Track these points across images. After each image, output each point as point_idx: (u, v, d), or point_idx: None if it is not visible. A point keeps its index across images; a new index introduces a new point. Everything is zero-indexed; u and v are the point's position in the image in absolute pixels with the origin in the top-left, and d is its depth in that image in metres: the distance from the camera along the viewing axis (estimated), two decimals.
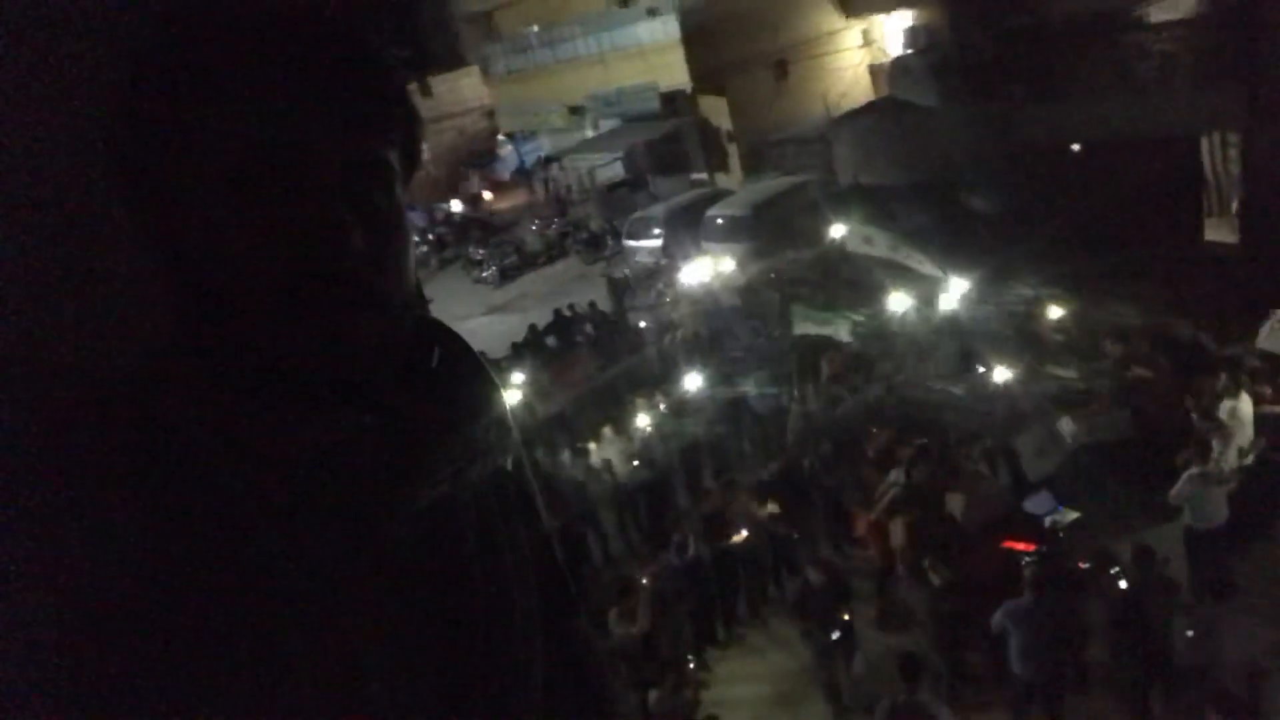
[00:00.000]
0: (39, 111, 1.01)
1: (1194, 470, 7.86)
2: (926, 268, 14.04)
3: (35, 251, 1.03)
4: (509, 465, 0.98)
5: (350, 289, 0.74)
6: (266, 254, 0.71)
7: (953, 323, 12.43)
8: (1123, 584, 7.16)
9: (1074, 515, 8.44)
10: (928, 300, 13.00)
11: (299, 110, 0.72)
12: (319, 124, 0.73)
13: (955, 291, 12.74)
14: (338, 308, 0.73)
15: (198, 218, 0.72)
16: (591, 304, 16.59)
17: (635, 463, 10.71)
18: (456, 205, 28.87)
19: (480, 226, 25.99)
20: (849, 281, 14.90)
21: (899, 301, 12.91)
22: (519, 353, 14.63)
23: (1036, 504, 8.57)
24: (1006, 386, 10.35)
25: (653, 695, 7.49)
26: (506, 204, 29.43)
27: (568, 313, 16.21)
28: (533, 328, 15.33)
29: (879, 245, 15.08)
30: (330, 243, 0.72)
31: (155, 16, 0.74)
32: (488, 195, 29.02)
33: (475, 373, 0.96)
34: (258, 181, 0.71)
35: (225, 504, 0.71)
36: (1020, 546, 7.96)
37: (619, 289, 17.63)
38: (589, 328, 15.71)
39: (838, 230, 15.81)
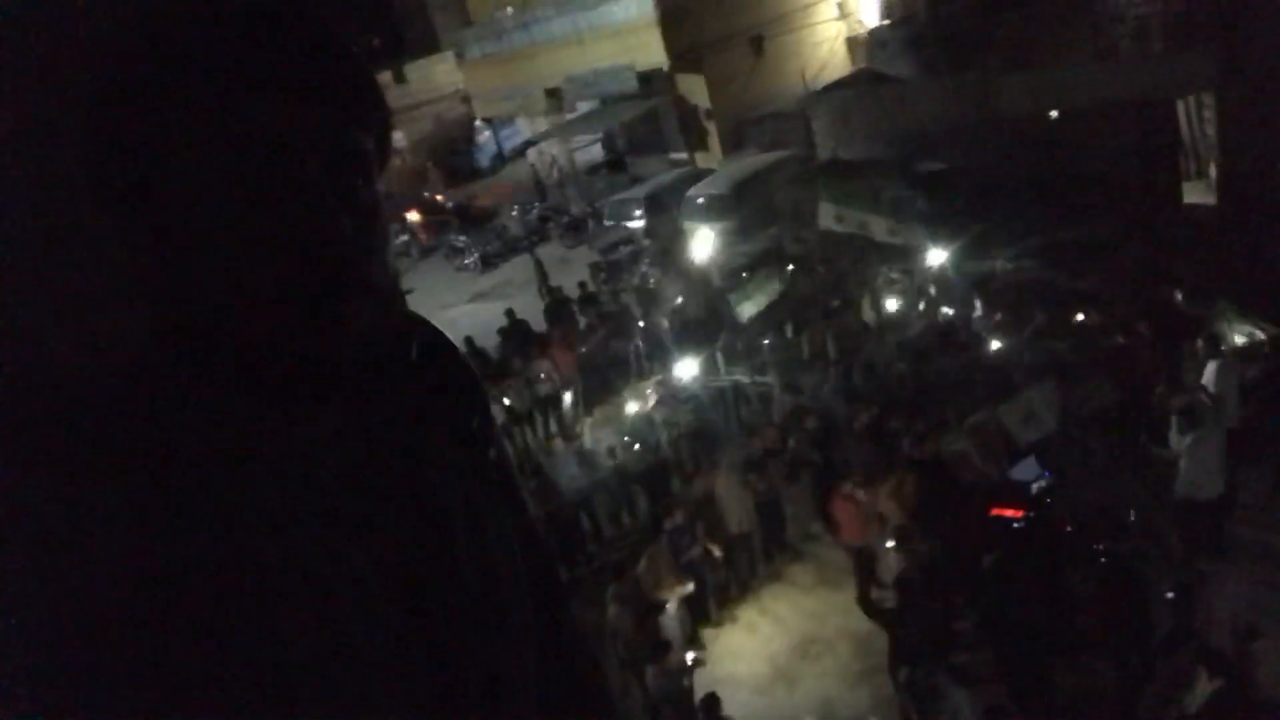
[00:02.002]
0: (18, 114, 1.00)
1: (1191, 437, 7.76)
2: (900, 239, 14.06)
3: (16, 254, 1.02)
4: (492, 454, 0.98)
5: (341, 276, 0.75)
6: (257, 246, 0.72)
7: (936, 295, 12.48)
8: (1104, 547, 7.23)
9: (1059, 481, 8.51)
10: (905, 274, 13.05)
11: (277, 103, 0.72)
12: (298, 115, 0.73)
13: (934, 262, 12.79)
14: (330, 295, 0.74)
15: (183, 215, 0.72)
16: (582, 285, 16.57)
17: (635, 446, 10.73)
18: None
19: (459, 214, 25.71)
20: (825, 260, 14.94)
21: (881, 277, 12.96)
22: (507, 338, 14.60)
23: (1023, 471, 8.64)
24: (993, 356, 10.41)
25: (650, 674, 7.53)
26: (482, 191, 29.15)
27: (559, 295, 16.23)
28: (509, 313, 15.22)
29: (849, 222, 15.07)
30: (320, 231, 0.73)
31: (132, 16, 0.74)
32: (440, 194, 28.50)
33: (454, 363, 0.97)
34: (242, 175, 0.71)
35: (215, 501, 0.71)
36: (1008, 513, 8.04)
37: (543, 270, 18.29)
38: (577, 310, 15.70)
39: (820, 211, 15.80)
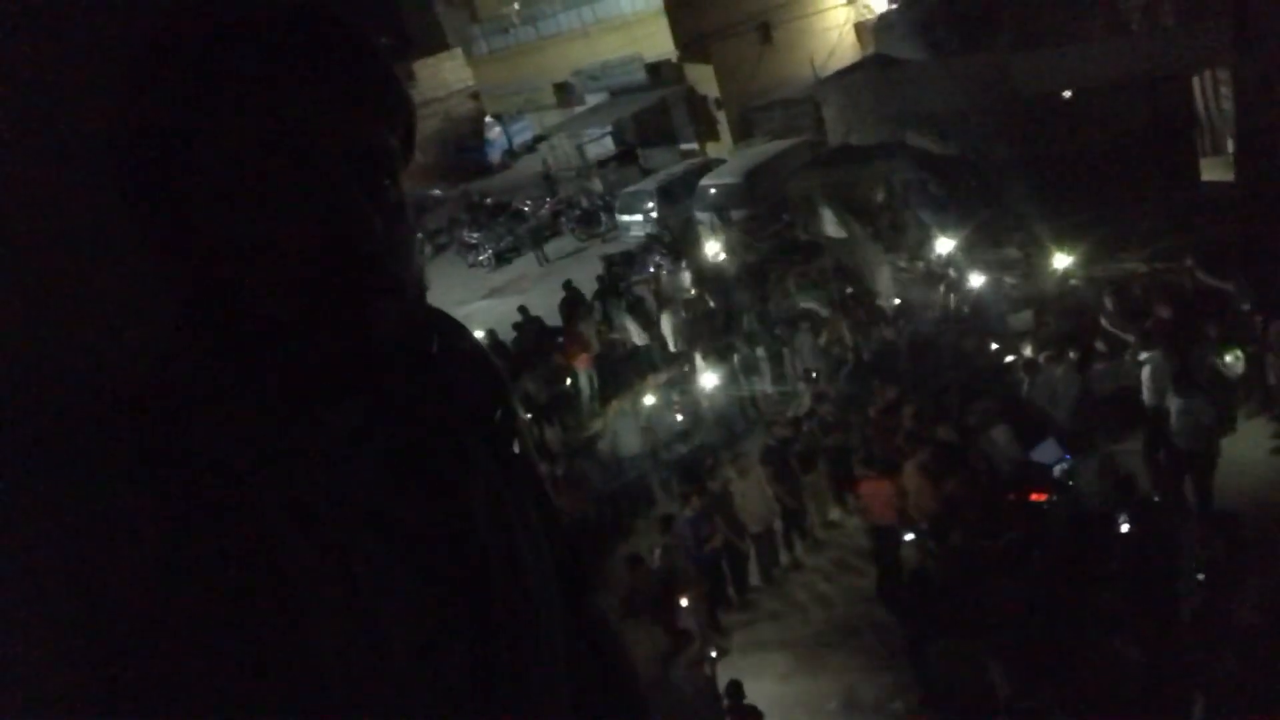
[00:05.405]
0: (43, 115, 1.01)
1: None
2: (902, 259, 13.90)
3: (43, 252, 1.03)
4: (516, 448, 0.99)
5: (372, 275, 0.75)
6: (286, 245, 0.72)
7: (952, 280, 12.41)
8: (1127, 527, 7.18)
9: (1080, 463, 8.46)
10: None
11: (304, 101, 0.72)
12: (325, 113, 0.73)
13: (948, 247, 12.73)
14: (359, 293, 0.74)
15: (211, 214, 0.72)
16: (599, 278, 16.53)
17: (654, 438, 10.73)
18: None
19: (486, 210, 25.39)
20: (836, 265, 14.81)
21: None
22: (521, 334, 14.63)
23: (1043, 453, 8.58)
24: (1009, 339, 10.35)
25: (673, 664, 7.53)
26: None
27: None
28: (523, 309, 15.24)
29: (852, 230, 14.84)
30: (349, 230, 0.74)
31: (158, 17, 0.74)
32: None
33: (476, 357, 0.97)
34: (271, 174, 0.71)
35: (240, 499, 0.71)
36: (1032, 496, 8.01)
37: (539, 243, 20.16)
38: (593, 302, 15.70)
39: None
